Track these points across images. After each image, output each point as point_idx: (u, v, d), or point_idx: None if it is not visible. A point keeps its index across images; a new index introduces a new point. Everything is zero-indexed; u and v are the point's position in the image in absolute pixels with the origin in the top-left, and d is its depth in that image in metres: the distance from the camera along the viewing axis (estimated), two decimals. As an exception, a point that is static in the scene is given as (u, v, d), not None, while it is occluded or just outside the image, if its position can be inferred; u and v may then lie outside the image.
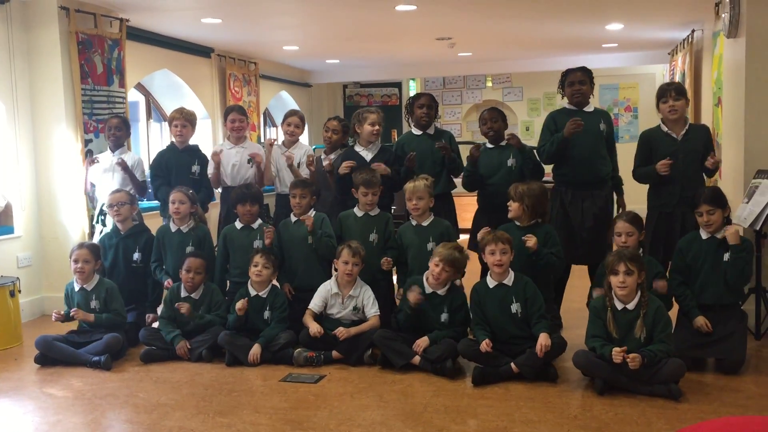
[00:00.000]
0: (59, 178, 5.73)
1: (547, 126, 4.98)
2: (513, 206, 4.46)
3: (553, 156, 4.89)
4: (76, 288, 4.68)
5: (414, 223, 4.72)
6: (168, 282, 4.89)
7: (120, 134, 5.53)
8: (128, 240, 5.04)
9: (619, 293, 3.84)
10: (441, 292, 4.32)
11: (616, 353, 3.67)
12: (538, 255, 4.34)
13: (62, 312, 4.64)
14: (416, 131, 5.24)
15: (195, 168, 5.43)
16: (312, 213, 4.91)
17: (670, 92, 4.66)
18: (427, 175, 4.78)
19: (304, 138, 10.57)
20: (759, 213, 4.53)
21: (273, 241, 4.78)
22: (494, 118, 5.04)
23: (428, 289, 4.32)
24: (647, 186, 4.83)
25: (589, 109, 4.95)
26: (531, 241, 4.29)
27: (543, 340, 3.92)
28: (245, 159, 5.48)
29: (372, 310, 4.53)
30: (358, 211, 4.85)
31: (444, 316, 4.31)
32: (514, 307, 4.12)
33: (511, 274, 4.18)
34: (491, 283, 4.20)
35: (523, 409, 3.63)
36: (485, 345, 3.99)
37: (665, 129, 4.72)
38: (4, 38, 5.46)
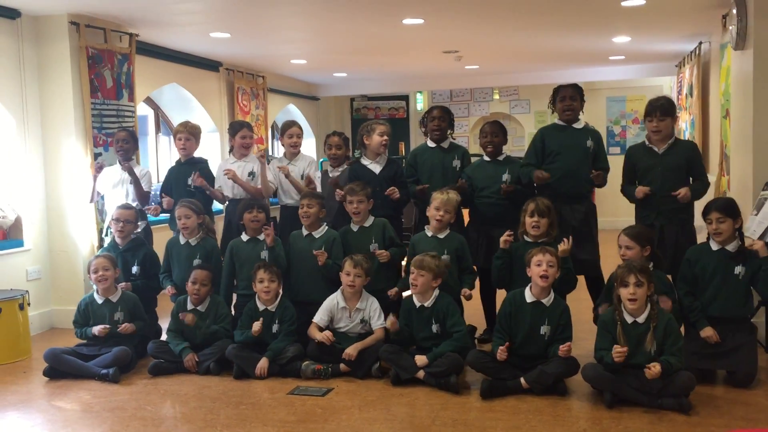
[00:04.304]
0: (69, 191, 5.76)
1: (534, 144, 5.02)
2: (542, 222, 4.41)
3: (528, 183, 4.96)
4: (99, 300, 4.70)
5: (430, 234, 4.72)
6: (169, 288, 4.92)
7: (128, 147, 5.57)
8: (127, 254, 5.06)
9: (630, 306, 3.82)
10: (427, 303, 4.31)
11: (616, 352, 3.64)
12: (564, 263, 4.30)
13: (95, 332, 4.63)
14: (431, 144, 5.26)
15: (191, 180, 5.46)
16: (324, 229, 4.91)
17: (656, 113, 4.67)
18: (454, 190, 4.78)
19: (311, 151, 10.74)
20: (768, 225, 4.51)
21: (278, 243, 4.80)
22: (495, 133, 5.07)
23: (417, 303, 4.33)
24: None
25: (578, 125, 5.00)
26: (565, 245, 4.27)
27: (566, 345, 3.93)
28: (245, 173, 5.51)
29: (378, 322, 4.53)
30: (353, 226, 4.86)
31: (435, 327, 4.31)
32: (544, 329, 4.07)
33: (552, 294, 4.13)
34: (529, 297, 4.13)
35: (531, 422, 3.61)
36: (501, 352, 3.96)
37: (648, 144, 4.76)
38: (15, 52, 5.52)
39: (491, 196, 4.97)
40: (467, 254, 4.69)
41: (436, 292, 4.34)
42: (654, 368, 3.60)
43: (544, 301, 4.11)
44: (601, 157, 5.00)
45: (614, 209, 4.95)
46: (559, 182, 4.84)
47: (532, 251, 4.16)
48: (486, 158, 5.13)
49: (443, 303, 4.32)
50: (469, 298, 4.50)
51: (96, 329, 4.59)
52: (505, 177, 4.96)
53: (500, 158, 5.09)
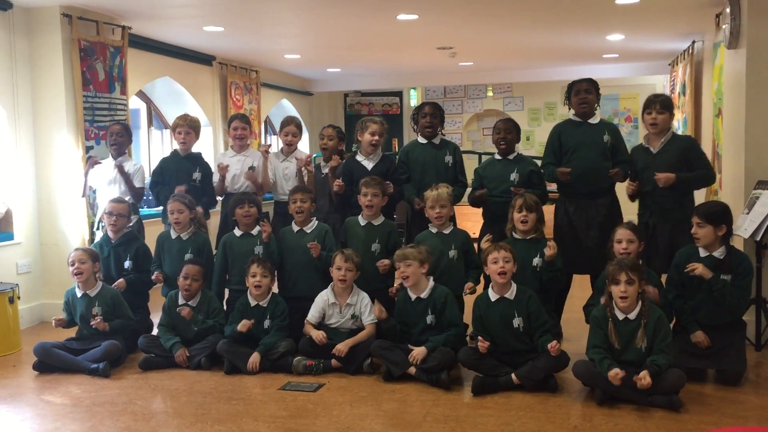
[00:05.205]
0: (60, 184, 5.73)
1: (551, 142, 5.03)
2: (530, 217, 4.44)
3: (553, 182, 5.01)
4: (78, 294, 4.67)
5: (434, 230, 4.72)
6: (156, 275, 4.91)
7: (122, 141, 5.54)
8: (119, 248, 5.04)
9: (621, 304, 3.83)
10: (423, 295, 4.32)
11: (614, 377, 3.64)
12: (551, 266, 4.35)
13: (63, 318, 4.63)
14: (422, 140, 5.25)
15: (196, 175, 5.44)
16: (315, 223, 4.90)
17: (656, 105, 4.68)
18: (445, 183, 4.78)
19: (304, 146, 10.72)
20: (759, 224, 4.53)
21: (272, 240, 4.79)
22: (508, 130, 5.04)
23: (413, 296, 4.34)
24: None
25: (594, 120, 4.98)
26: (552, 250, 4.31)
27: (554, 343, 3.93)
28: (245, 168, 5.50)
29: (368, 318, 4.52)
30: (361, 220, 4.84)
31: (429, 318, 4.31)
32: (516, 322, 4.10)
33: (514, 287, 4.16)
34: (493, 296, 4.17)
35: (522, 419, 3.62)
36: (482, 343, 3.99)
37: (645, 144, 4.78)
38: (7, 44, 5.48)
39: (501, 195, 4.94)
40: (473, 249, 4.68)
41: (431, 283, 4.35)
42: (644, 379, 3.60)
43: (507, 295, 4.14)
44: (621, 150, 4.93)
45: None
46: (579, 180, 4.83)
47: (486, 249, 4.20)
48: (497, 156, 5.12)
49: (439, 293, 4.34)
50: (472, 291, 4.50)
51: (53, 321, 4.63)
52: (513, 176, 4.94)
53: (511, 157, 5.06)
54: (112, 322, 4.61)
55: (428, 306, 4.32)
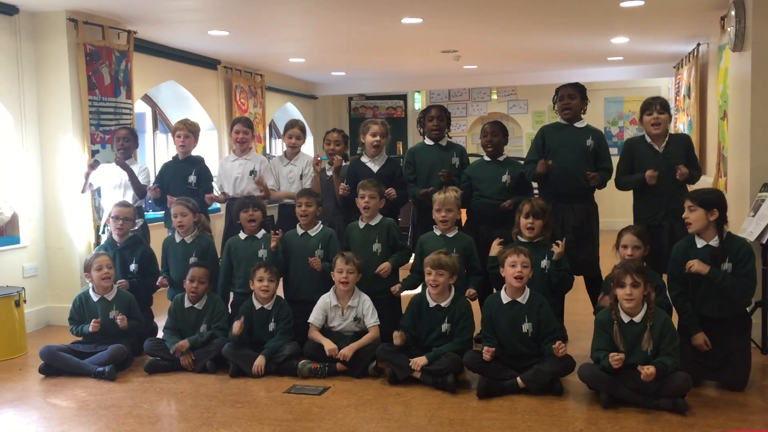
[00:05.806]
0: (66, 188, 5.74)
1: (535, 141, 5.08)
2: (537, 224, 4.44)
3: (532, 180, 5.05)
4: (95, 298, 4.67)
5: (438, 233, 4.71)
6: (161, 279, 4.94)
7: (128, 145, 5.57)
8: (125, 252, 5.05)
9: (626, 306, 3.83)
10: (444, 304, 4.30)
11: (614, 359, 3.64)
12: (558, 267, 4.35)
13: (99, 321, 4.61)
14: (429, 142, 5.26)
15: (192, 178, 5.45)
16: (320, 227, 4.91)
17: (656, 105, 4.75)
18: (455, 187, 4.79)
19: (309, 149, 10.73)
20: (765, 226, 4.51)
21: (278, 248, 4.79)
22: (495, 132, 5.08)
23: (432, 303, 4.31)
24: (632, 200, 4.89)
25: (580, 124, 5.01)
26: (560, 248, 4.32)
27: (558, 343, 3.93)
28: (247, 171, 5.51)
29: (371, 320, 4.52)
30: (360, 223, 4.85)
31: (445, 326, 4.29)
32: (526, 327, 4.08)
33: (527, 292, 4.14)
34: (505, 298, 4.16)
35: (528, 422, 3.62)
36: (487, 352, 3.98)
37: (648, 140, 4.80)
38: (13, 49, 5.50)
39: (491, 196, 4.97)
40: (475, 254, 4.67)
41: (453, 291, 4.32)
42: (648, 369, 3.60)
43: (519, 299, 4.13)
44: (603, 157, 4.97)
45: (611, 210, 4.93)
46: (557, 181, 4.87)
47: (506, 252, 4.18)
48: (486, 158, 5.14)
49: (460, 304, 4.31)
50: (474, 298, 4.49)
51: (90, 325, 4.57)
52: (505, 178, 4.97)
53: (500, 159, 5.09)
54: (129, 322, 4.64)
55: (446, 315, 4.29)
